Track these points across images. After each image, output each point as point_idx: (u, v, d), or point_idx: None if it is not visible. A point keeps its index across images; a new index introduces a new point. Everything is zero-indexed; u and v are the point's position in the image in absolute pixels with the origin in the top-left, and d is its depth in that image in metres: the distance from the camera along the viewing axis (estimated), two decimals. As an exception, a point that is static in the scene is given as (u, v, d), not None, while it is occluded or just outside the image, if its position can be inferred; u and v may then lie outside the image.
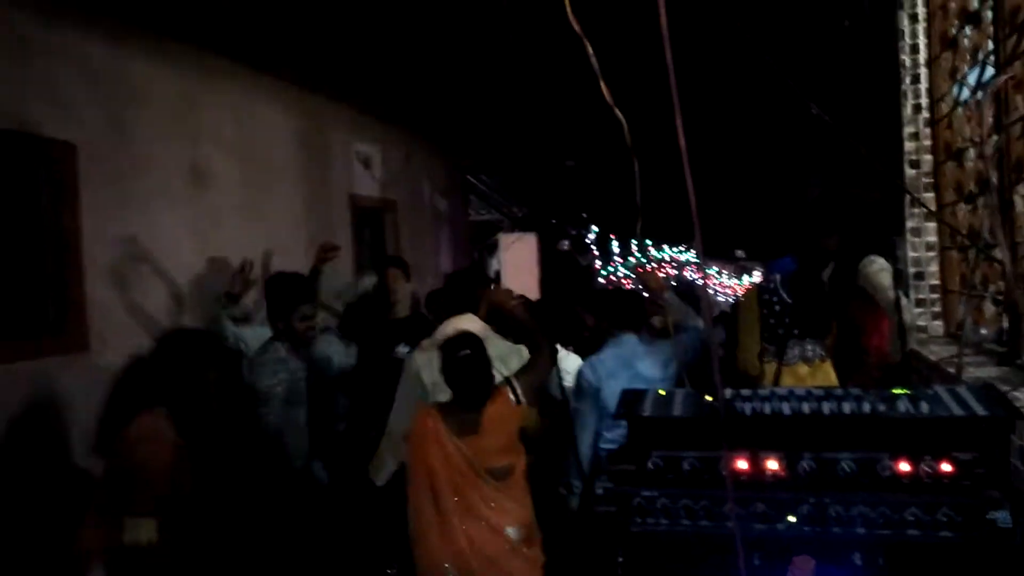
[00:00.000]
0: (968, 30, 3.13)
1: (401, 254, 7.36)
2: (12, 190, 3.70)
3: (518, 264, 12.15)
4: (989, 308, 3.14)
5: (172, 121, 4.60)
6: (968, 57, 3.15)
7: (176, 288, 4.54)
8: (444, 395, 2.91)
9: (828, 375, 3.65)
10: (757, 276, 23.07)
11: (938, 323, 3.85)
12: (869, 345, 3.69)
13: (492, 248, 12.29)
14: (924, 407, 1.30)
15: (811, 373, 3.56)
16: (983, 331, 3.19)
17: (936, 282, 3.83)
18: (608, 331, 3.65)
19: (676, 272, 21.49)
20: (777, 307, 3.57)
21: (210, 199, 4.88)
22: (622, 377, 3.35)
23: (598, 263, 15.53)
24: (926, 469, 1.25)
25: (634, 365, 3.44)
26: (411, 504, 2.81)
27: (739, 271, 24.56)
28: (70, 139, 3.86)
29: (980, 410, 1.28)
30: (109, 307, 4.03)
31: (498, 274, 12.61)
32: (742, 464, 1.32)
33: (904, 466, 1.27)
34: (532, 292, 10.21)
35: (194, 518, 2.52)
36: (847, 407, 1.32)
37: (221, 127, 5.02)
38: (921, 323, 3.86)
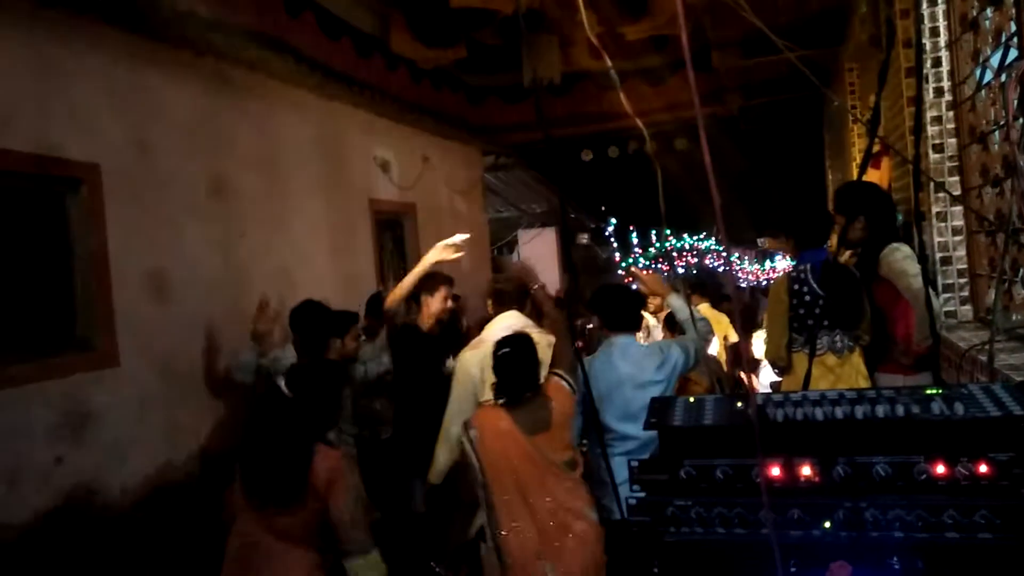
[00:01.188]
0: (990, 12, 3.07)
1: (420, 255, 7.40)
2: (40, 211, 3.77)
3: (537, 259, 12.18)
4: (1019, 292, 3.10)
5: (192, 135, 4.66)
6: (991, 39, 3.10)
7: (202, 302, 4.60)
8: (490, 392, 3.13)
9: (857, 366, 3.62)
10: (779, 261, 22.91)
11: (967, 308, 3.80)
12: (896, 334, 3.64)
13: (511, 245, 12.30)
14: (959, 408, 1.29)
15: (840, 363, 3.53)
16: (1014, 316, 3.14)
17: (963, 266, 3.78)
18: (603, 332, 3.63)
19: (696, 260, 21.37)
20: (807, 297, 3.54)
21: (232, 212, 4.94)
22: (602, 381, 3.32)
23: (617, 255, 15.50)
24: (963, 471, 1.24)
25: (618, 368, 3.36)
26: (494, 504, 2.94)
27: (761, 256, 24.38)
28: (93, 159, 3.93)
29: (1016, 409, 1.27)
30: (138, 323, 4.09)
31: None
32: (776, 471, 1.32)
33: (940, 468, 1.26)
34: (552, 286, 10.23)
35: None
36: (880, 410, 1.31)
37: (241, 139, 5.08)
38: (949, 308, 3.81)
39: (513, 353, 3.04)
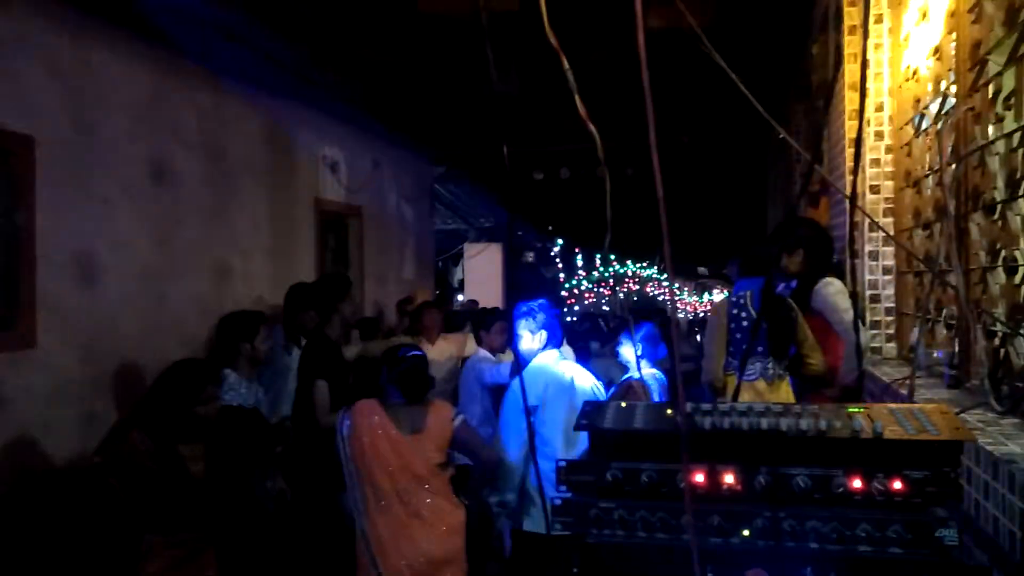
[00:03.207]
0: (931, 61, 3.21)
1: (364, 260, 7.32)
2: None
3: (482, 274, 12.16)
4: (941, 332, 3.22)
5: (137, 119, 4.53)
6: (930, 87, 3.23)
7: (131, 289, 4.45)
8: None
9: (787, 394, 3.71)
10: (716, 293, 23.40)
11: (891, 345, 3.93)
12: (824, 365, 3.74)
13: (457, 257, 12.27)
14: (879, 425, 1.32)
15: (770, 390, 3.61)
16: (935, 354, 3.26)
17: (891, 305, 3.91)
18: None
19: (638, 287, 21.67)
20: (744, 322, 3.62)
21: (172, 200, 4.81)
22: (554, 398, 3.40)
23: (562, 276, 15.61)
24: (878, 486, 1.27)
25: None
26: (363, 493, 3.12)
27: (700, 288, 24.82)
28: (27, 131, 3.78)
29: (933, 430, 1.30)
30: (61, 305, 3.93)
31: (462, 283, 12.59)
32: (699, 477, 1.33)
33: (857, 483, 1.29)
34: (496, 302, 10.22)
35: None
36: (804, 424, 1.34)
37: (186, 126, 4.96)
38: (875, 344, 3.93)
39: (419, 362, 3.25)
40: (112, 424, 4.22)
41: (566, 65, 1.62)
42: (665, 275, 22.51)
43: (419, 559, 3.05)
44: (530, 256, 13.41)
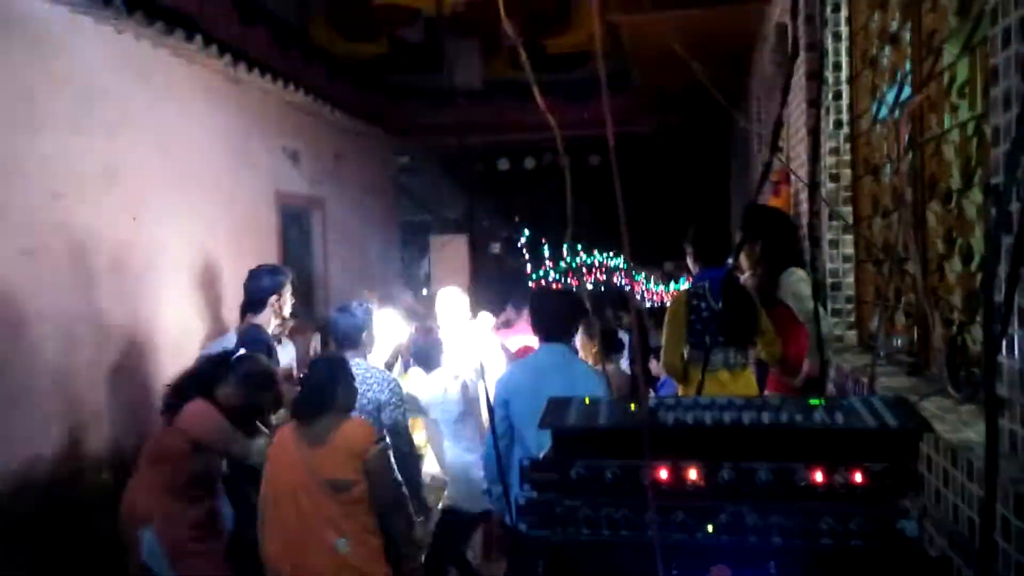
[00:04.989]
0: (888, 50, 3.24)
1: (328, 253, 7.23)
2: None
3: (448, 266, 12.09)
4: (901, 319, 3.26)
5: (86, 110, 4.39)
6: (887, 76, 3.27)
7: (90, 280, 4.34)
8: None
9: (749, 382, 3.73)
10: (685, 284, 23.56)
11: (852, 333, 3.98)
12: (787, 354, 3.77)
13: (422, 249, 12.19)
14: (839, 418, 1.32)
15: (732, 379, 3.62)
16: (896, 342, 3.31)
17: (851, 293, 3.96)
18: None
19: (605, 278, 21.75)
20: (705, 313, 3.62)
21: (127, 192, 4.68)
22: (525, 394, 3.24)
23: (529, 267, 15.60)
24: (839, 479, 1.27)
25: (539, 382, 3.24)
26: (261, 509, 3.01)
27: (666, 278, 25.00)
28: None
29: (892, 422, 1.31)
30: (8, 299, 3.81)
31: (428, 276, 12.53)
32: (663, 473, 1.32)
33: (819, 476, 1.29)
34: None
35: None
36: (766, 417, 1.33)
37: (139, 117, 4.82)
38: (837, 332, 3.98)
39: (319, 371, 3.09)
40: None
41: (528, 68, 1.60)
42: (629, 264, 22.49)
43: None
44: (496, 247, 13.37)
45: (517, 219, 13.81)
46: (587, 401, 1.48)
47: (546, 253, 16.79)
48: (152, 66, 4.93)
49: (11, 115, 3.87)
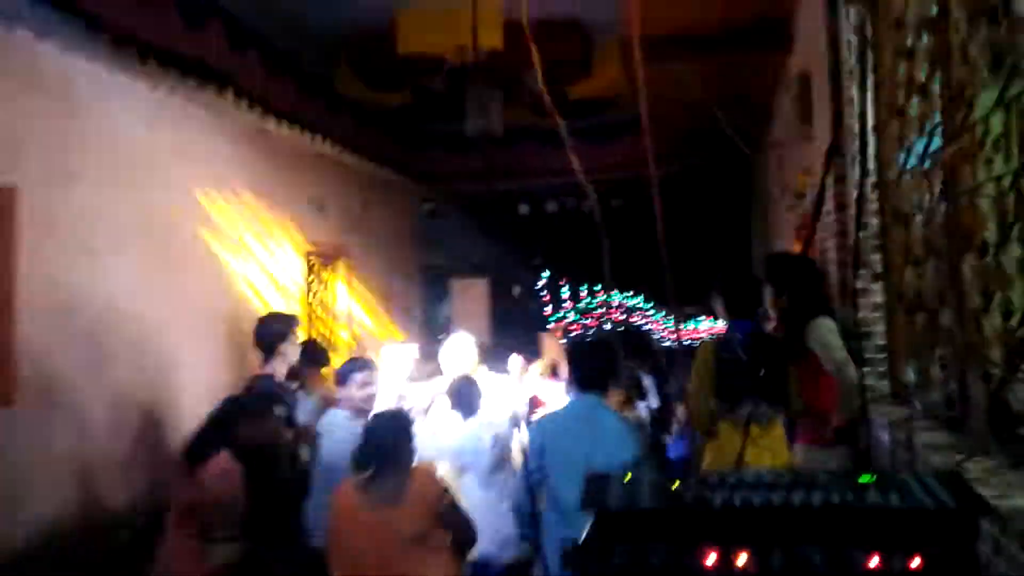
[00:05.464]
0: (916, 99, 3.22)
1: (352, 300, 7.26)
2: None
3: (469, 309, 12.09)
4: (936, 371, 3.19)
5: (126, 166, 4.47)
6: (916, 125, 3.24)
7: (129, 341, 4.36)
8: None
9: (780, 436, 3.67)
10: (703, 321, 23.41)
11: (885, 383, 3.90)
12: (817, 405, 3.71)
13: (444, 293, 12.20)
14: (893, 498, 1.28)
15: (762, 434, 3.56)
16: (932, 395, 3.23)
17: (883, 342, 3.89)
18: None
19: (624, 317, 21.64)
20: (734, 364, 3.58)
21: (168, 249, 4.74)
22: (560, 444, 3.24)
23: (548, 308, 15.55)
24: (897, 565, 1.22)
25: (574, 432, 3.24)
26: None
27: (685, 317, 24.77)
28: (9, 183, 3.71)
29: (949, 502, 1.26)
30: (42, 360, 3.84)
31: (448, 320, 12.51)
32: (711, 559, 1.28)
33: (875, 560, 1.24)
34: (483, 337, 10.15)
35: None
36: (817, 497, 1.29)
37: (177, 173, 4.90)
38: (868, 382, 3.90)
39: (382, 429, 3.06)
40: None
41: (560, 121, 1.61)
42: (651, 304, 22.50)
43: None
44: (517, 290, 13.35)
45: (537, 262, 13.80)
46: (627, 478, 1.45)
47: (565, 295, 16.74)
48: (184, 121, 5.02)
49: (47, 170, 3.94)
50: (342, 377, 3.87)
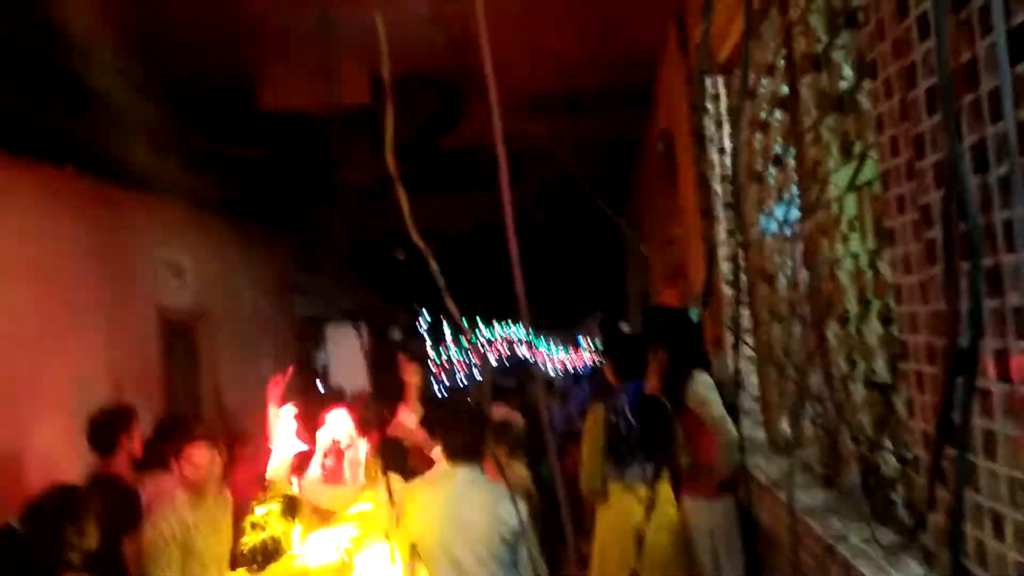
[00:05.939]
0: (773, 169, 3.37)
1: (217, 364, 6.86)
2: None
3: (347, 357, 11.77)
4: (808, 427, 3.31)
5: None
6: (774, 193, 3.39)
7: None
8: None
9: (667, 494, 3.71)
10: (584, 341, 23.95)
11: (761, 432, 4.03)
12: (700, 461, 3.78)
13: (320, 342, 11.82)
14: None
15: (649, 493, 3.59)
16: (807, 451, 3.34)
17: (757, 393, 4.02)
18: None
19: (507, 350, 21.77)
20: (623, 429, 3.61)
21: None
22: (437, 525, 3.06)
23: (430, 350, 15.40)
24: None
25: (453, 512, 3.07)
26: None
27: (569, 342, 25.25)
28: None
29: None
30: None
31: (326, 368, 12.12)
32: None
33: None
34: (362, 384, 9.87)
35: None
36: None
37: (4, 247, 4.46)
38: (747, 432, 4.01)
39: None
40: None
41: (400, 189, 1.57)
42: (531, 335, 22.75)
43: None
44: (396, 333, 13.14)
45: (415, 305, 13.66)
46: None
47: (447, 334, 16.67)
48: (18, 199, 4.59)
49: None
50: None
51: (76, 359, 4.97)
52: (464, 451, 3.21)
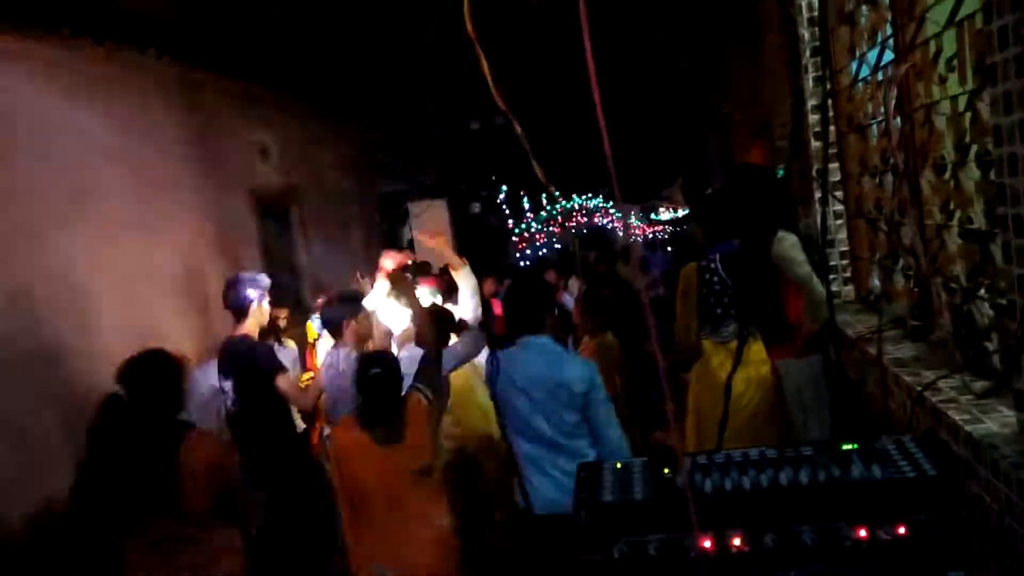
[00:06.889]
0: (865, 8, 3.16)
1: (309, 239, 7.15)
2: None
3: (430, 230, 11.96)
4: (899, 280, 3.27)
5: (47, 139, 4.25)
6: (866, 36, 3.20)
7: (74, 313, 4.26)
8: None
9: (759, 352, 3.76)
10: (663, 212, 23.59)
11: (849, 288, 3.99)
12: (789, 317, 3.79)
13: (403, 218, 12.07)
14: (876, 471, 1.32)
15: (745, 351, 3.65)
16: (897, 305, 3.31)
17: (845, 249, 3.96)
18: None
19: (586, 220, 21.70)
20: (717, 286, 3.65)
21: (102, 217, 4.57)
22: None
23: (510, 222, 15.53)
24: (883, 535, 1.28)
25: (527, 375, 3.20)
26: (342, 512, 3.15)
27: (648, 211, 24.96)
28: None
29: (929, 469, 1.31)
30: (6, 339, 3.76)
31: (411, 242, 12.43)
32: (707, 543, 1.32)
33: (862, 532, 1.29)
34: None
35: None
36: (804, 476, 1.33)
37: (102, 138, 4.67)
38: (834, 289, 3.98)
39: (381, 378, 3.11)
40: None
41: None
42: (611, 203, 22.48)
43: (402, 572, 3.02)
44: (476, 207, 13.26)
45: (494, 177, 13.67)
46: (618, 467, 1.48)
47: (526, 206, 16.70)
48: (107, 86, 4.76)
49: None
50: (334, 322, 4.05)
51: (180, 244, 5.26)
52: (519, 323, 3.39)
